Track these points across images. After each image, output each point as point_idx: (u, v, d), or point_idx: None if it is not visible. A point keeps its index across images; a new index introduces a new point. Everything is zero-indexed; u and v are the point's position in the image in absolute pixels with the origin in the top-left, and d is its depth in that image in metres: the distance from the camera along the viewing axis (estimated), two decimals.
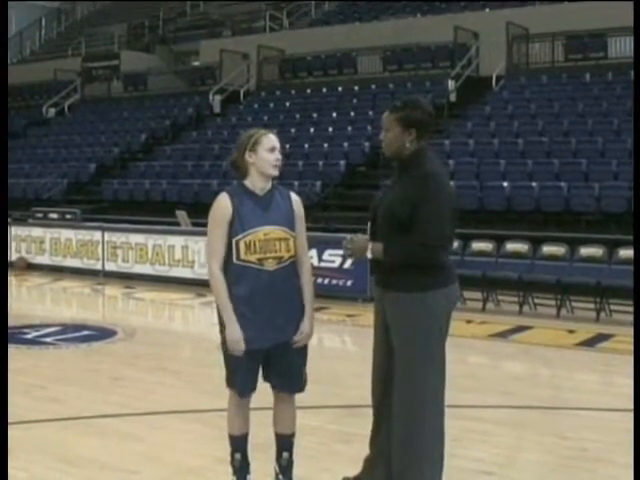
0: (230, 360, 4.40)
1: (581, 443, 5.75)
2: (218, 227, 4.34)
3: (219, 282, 4.32)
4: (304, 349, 4.51)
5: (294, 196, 4.54)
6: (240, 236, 4.30)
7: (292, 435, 4.63)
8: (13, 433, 5.38)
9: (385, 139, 4.39)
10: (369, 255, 4.30)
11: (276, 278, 4.34)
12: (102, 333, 10.01)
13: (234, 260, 4.32)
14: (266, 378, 4.53)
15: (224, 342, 4.38)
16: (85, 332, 10.03)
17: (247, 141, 4.41)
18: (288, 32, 25.46)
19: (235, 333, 4.29)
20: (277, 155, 4.41)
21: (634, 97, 12.94)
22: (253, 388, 4.47)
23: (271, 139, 4.41)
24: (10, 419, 4.85)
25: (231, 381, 4.45)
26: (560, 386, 7.67)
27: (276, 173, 4.42)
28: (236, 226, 4.31)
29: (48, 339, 9.49)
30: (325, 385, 6.24)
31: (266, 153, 4.38)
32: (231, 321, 4.29)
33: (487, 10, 21.87)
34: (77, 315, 12.06)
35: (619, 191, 13.22)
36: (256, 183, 4.41)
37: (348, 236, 4.43)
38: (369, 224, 4.46)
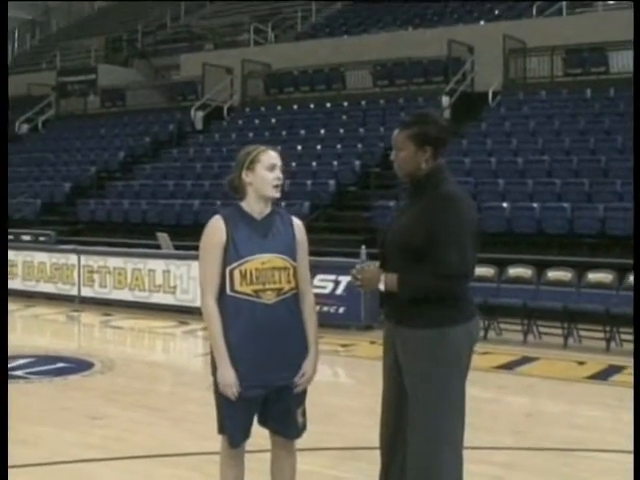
0: (222, 405, 4.07)
1: None
2: (211, 254, 4.04)
3: (213, 317, 4.00)
4: (303, 391, 4.19)
5: (296, 221, 4.23)
6: (235, 264, 3.99)
7: None
8: None
9: (397, 160, 4.08)
10: (381, 287, 3.99)
11: (275, 312, 4.02)
12: (78, 365, 9.58)
13: (228, 292, 4.01)
14: (262, 422, 4.20)
15: (216, 384, 4.06)
16: (59, 364, 9.62)
17: (244, 158, 4.12)
18: (273, 46, 25.36)
19: (227, 377, 3.97)
20: (277, 174, 4.10)
21: (634, 113, 12.40)
22: (246, 437, 4.16)
23: (271, 156, 4.11)
24: None
25: (222, 428, 4.12)
26: (573, 424, 7.25)
27: (277, 195, 4.11)
28: (231, 253, 4.01)
29: (19, 372, 8.99)
30: (321, 424, 5.77)
31: (265, 172, 4.08)
32: (223, 362, 3.98)
33: (482, 23, 21.75)
34: (51, 345, 11.53)
35: (624, 212, 12.79)
36: (254, 206, 4.11)
37: (358, 265, 4.10)
38: (379, 252, 4.15)
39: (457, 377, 3.98)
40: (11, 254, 15.60)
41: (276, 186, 4.08)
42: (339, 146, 18.75)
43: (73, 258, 15.08)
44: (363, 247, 11.52)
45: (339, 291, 11.99)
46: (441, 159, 4.07)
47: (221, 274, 4.02)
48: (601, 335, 10.61)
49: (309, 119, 20.94)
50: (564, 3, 20.91)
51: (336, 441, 6.36)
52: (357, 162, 17.38)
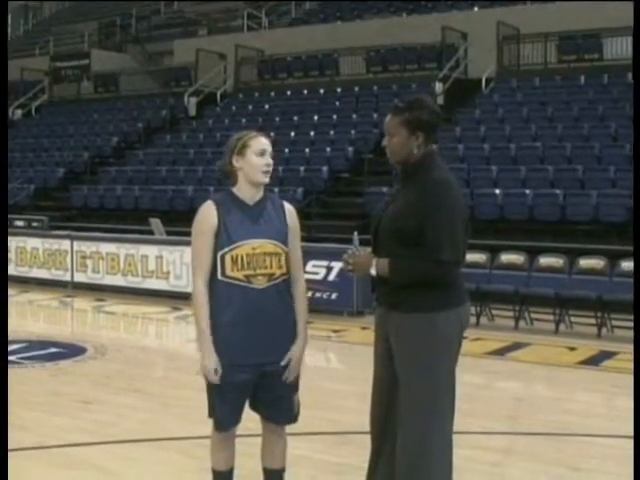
0: (213, 389, 4.07)
1: (594, 475, 5.50)
2: (202, 239, 4.03)
3: (201, 302, 4.00)
4: (296, 378, 4.18)
5: (288, 206, 4.21)
6: (226, 249, 3.99)
7: (282, 470, 4.32)
8: None
9: (390, 145, 4.06)
10: (373, 272, 3.99)
11: (266, 297, 4.01)
12: (71, 350, 9.58)
13: (219, 276, 4.01)
14: (254, 408, 4.20)
15: None
16: (52, 349, 9.63)
17: (235, 144, 4.11)
18: (267, 31, 25.27)
19: (209, 362, 3.98)
20: (267, 160, 4.08)
21: (634, 100, 12.41)
22: (236, 422, 4.16)
23: (261, 142, 4.10)
24: None
25: (212, 412, 4.13)
26: (566, 410, 7.25)
27: (266, 180, 4.10)
28: (222, 238, 4.00)
29: (12, 357, 8.93)
30: (312, 409, 5.76)
31: (255, 157, 4.06)
32: (206, 348, 3.99)
33: (476, 9, 21.68)
34: (44, 331, 11.55)
35: (618, 199, 12.79)
36: (245, 191, 4.10)
37: (349, 249, 4.08)
38: (371, 237, 4.13)
39: (447, 362, 3.97)
40: None
41: (265, 172, 4.07)
42: (332, 132, 18.69)
43: (66, 244, 15.03)
44: (356, 233, 11.50)
45: (331, 277, 11.97)
46: (433, 145, 4.06)
47: (212, 259, 4.02)
48: (592, 321, 10.60)
49: (302, 105, 20.84)
50: None
51: (327, 426, 6.34)
52: (350, 148, 17.32)
